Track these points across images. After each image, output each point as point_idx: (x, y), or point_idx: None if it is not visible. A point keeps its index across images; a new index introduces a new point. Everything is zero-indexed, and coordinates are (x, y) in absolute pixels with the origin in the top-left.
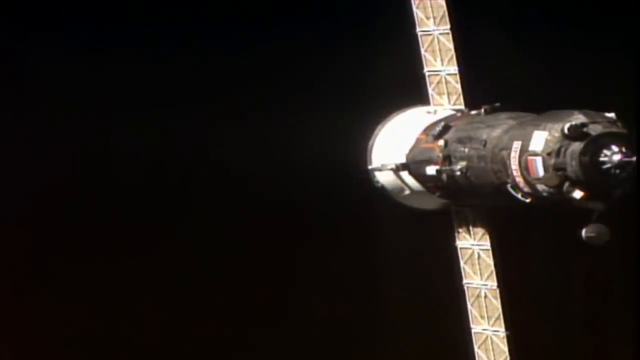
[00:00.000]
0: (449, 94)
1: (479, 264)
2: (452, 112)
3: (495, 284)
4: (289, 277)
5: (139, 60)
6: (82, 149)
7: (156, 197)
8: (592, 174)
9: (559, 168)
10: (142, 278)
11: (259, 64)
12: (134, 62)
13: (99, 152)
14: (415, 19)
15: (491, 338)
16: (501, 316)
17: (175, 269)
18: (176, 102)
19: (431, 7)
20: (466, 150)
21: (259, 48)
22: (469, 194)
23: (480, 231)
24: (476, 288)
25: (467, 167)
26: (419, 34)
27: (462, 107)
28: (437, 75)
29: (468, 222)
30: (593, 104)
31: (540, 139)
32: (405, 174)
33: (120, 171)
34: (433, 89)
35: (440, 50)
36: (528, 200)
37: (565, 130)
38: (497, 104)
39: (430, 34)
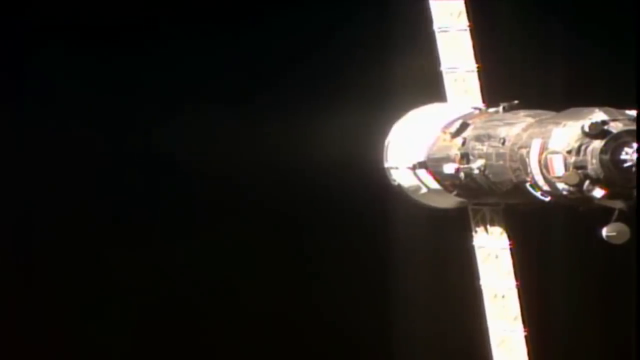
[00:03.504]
0: (466, 92)
1: (496, 263)
2: (470, 110)
3: (513, 283)
4: (301, 276)
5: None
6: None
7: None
8: (612, 172)
9: (579, 166)
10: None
11: (272, 62)
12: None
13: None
14: (433, 15)
15: (509, 338)
16: (519, 316)
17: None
18: (193, 98)
19: (449, 3)
20: (484, 148)
21: (273, 46)
22: (487, 192)
23: (497, 230)
24: (494, 288)
25: (486, 165)
26: (437, 30)
27: (480, 104)
28: (455, 72)
29: (485, 221)
30: (614, 102)
31: (560, 137)
32: (422, 172)
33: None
34: (450, 87)
35: (457, 47)
36: (547, 199)
37: (586, 128)
38: (516, 102)
39: (447, 31)
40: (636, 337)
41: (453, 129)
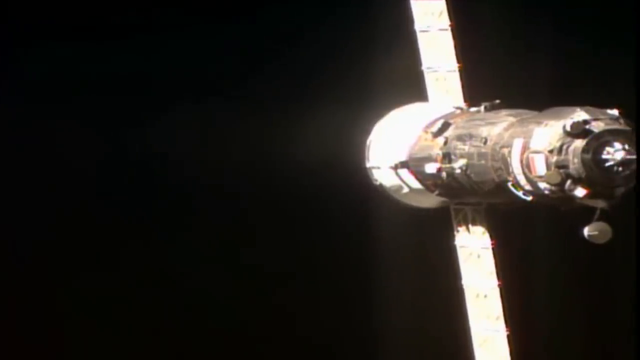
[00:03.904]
0: (448, 91)
1: (478, 263)
2: (452, 110)
3: (495, 283)
4: (282, 276)
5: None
6: None
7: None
8: (594, 171)
9: (560, 166)
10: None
11: (253, 61)
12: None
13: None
14: (414, 14)
15: (491, 338)
16: (501, 315)
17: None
18: (172, 97)
19: (430, 3)
20: (466, 147)
21: (255, 45)
22: (469, 192)
23: (479, 230)
24: (475, 287)
25: (467, 165)
26: (418, 30)
27: (462, 104)
28: (436, 72)
29: (467, 221)
30: (595, 101)
31: (541, 137)
32: (403, 172)
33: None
34: (432, 86)
35: (439, 46)
36: (529, 199)
37: (567, 128)
38: (497, 101)
39: (428, 31)
40: (636, 337)
41: (435, 128)
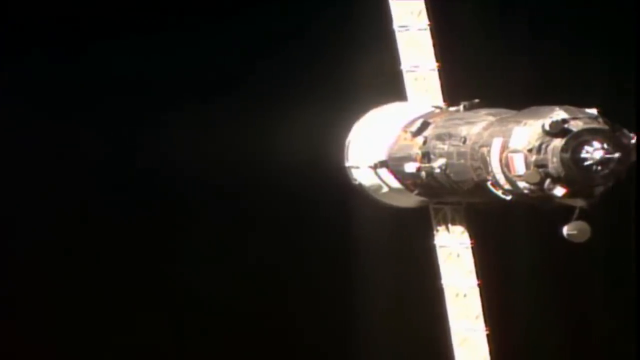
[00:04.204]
0: (427, 91)
1: (458, 262)
2: (431, 109)
3: (474, 282)
4: (262, 275)
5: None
6: None
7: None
8: (573, 170)
9: (540, 165)
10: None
11: (233, 62)
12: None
13: None
14: (393, 14)
15: (471, 337)
16: (481, 315)
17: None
18: (154, 99)
19: (409, 2)
20: (445, 147)
21: (234, 46)
22: (448, 191)
23: (459, 229)
24: (455, 287)
25: (447, 164)
26: (397, 30)
27: (441, 103)
28: (415, 71)
29: (447, 220)
30: (574, 100)
31: (520, 136)
32: (383, 172)
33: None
34: (411, 86)
35: (418, 46)
36: (508, 198)
37: (546, 127)
38: (477, 100)
39: (407, 30)
40: (636, 337)
41: (414, 128)
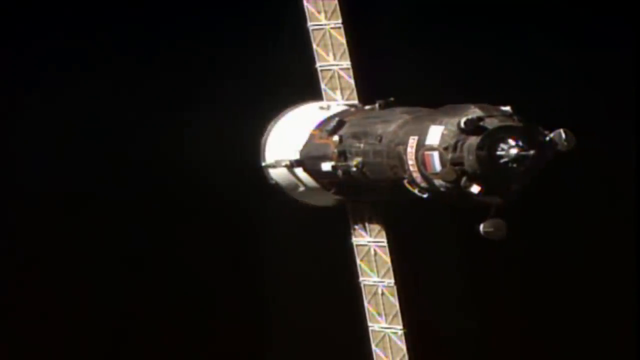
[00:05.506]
0: (342, 89)
1: (375, 261)
2: (346, 107)
3: (392, 281)
4: (177, 277)
5: None
6: None
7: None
8: (489, 168)
9: (456, 163)
10: None
11: (148, 61)
12: None
13: None
14: (307, 13)
15: (389, 336)
16: (398, 313)
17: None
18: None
19: (322, 1)
20: (362, 145)
21: (148, 46)
22: (366, 190)
23: (376, 228)
24: (373, 285)
25: (363, 163)
26: (310, 28)
27: (356, 102)
28: (330, 70)
29: (364, 219)
30: (489, 98)
31: (436, 134)
32: (299, 171)
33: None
34: (326, 84)
35: (332, 44)
36: (425, 196)
37: (462, 124)
38: (392, 99)
39: (321, 29)
40: (636, 337)
41: (329, 126)
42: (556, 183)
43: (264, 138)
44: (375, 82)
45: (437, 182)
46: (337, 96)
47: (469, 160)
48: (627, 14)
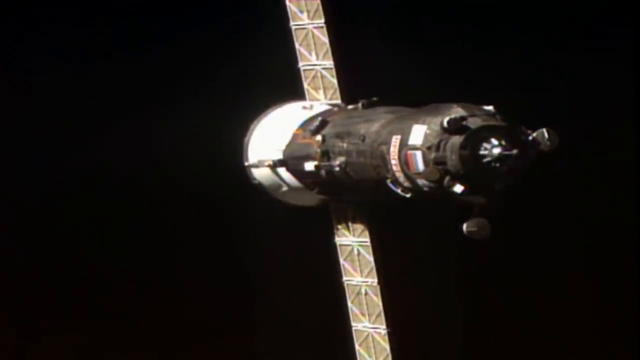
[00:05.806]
0: (325, 89)
1: (358, 260)
2: (329, 107)
3: (375, 280)
4: (162, 279)
5: None
6: None
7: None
8: (472, 167)
9: (439, 162)
10: None
11: (129, 61)
12: None
13: None
14: (289, 12)
15: (372, 336)
16: (382, 313)
17: None
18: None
19: (305, 0)
20: (345, 145)
21: (131, 45)
22: (349, 190)
23: (359, 227)
24: (356, 285)
25: (346, 163)
26: (293, 27)
27: (339, 101)
28: (313, 69)
29: (347, 219)
30: (472, 98)
31: (419, 133)
32: (282, 171)
33: None
34: (309, 84)
35: (315, 44)
36: (408, 196)
37: (445, 124)
38: (375, 98)
39: (304, 28)
40: (637, 337)
41: (312, 126)
42: (556, 183)
43: (246, 138)
44: (358, 82)
45: (421, 181)
46: (320, 96)
47: (452, 159)
48: (628, 14)
